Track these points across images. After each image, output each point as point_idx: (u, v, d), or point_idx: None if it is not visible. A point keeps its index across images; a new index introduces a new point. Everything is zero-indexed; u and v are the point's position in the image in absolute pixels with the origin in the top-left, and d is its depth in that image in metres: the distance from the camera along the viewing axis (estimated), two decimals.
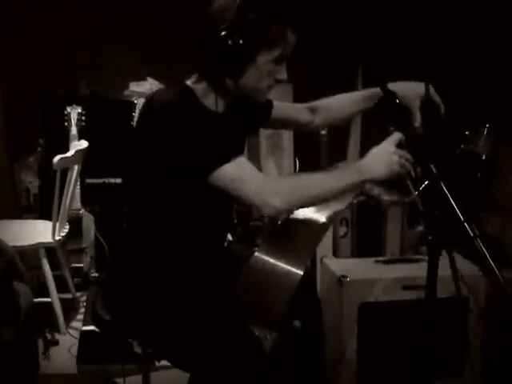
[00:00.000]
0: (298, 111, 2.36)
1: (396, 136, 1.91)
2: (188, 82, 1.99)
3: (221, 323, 1.96)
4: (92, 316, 2.21)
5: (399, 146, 1.90)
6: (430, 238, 1.77)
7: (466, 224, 1.53)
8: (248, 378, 1.90)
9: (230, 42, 1.83)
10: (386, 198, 3.37)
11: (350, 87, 4.09)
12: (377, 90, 2.24)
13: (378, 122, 2.06)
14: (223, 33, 1.83)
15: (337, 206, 2.26)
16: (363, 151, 3.99)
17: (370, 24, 4.16)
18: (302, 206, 2.00)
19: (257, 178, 1.89)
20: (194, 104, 1.94)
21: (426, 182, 1.84)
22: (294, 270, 2.03)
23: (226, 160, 1.83)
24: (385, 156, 1.88)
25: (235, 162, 1.84)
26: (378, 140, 2.25)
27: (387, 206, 3.34)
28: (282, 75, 1.97)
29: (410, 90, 2.16)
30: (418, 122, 2.12)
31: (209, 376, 1.95)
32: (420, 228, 3.94)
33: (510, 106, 4.32)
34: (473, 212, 3.91)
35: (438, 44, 4.55)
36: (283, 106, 2.32)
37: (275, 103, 2.26)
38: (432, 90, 2.16)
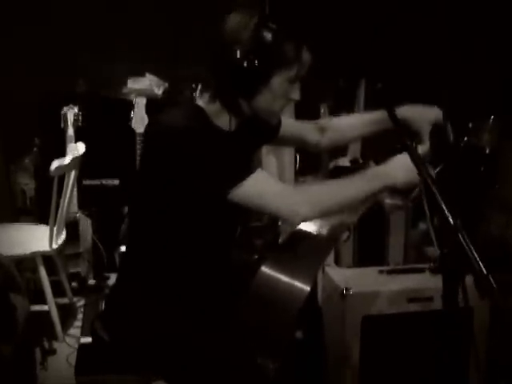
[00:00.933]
0: (307, 130, 2.29)
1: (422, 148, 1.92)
2: (199, 103, 1.93)
3: (224, 351, 1.91)
4: (92, 335, 2.14)
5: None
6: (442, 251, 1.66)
7: (450, 218, 1.42)
8: None
9: (245, 64, 1.76)
10: (388, 201, 3.28)
11: (351, 100, 4.09)
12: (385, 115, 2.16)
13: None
14: (238, 54, 1.76)
15: (350, 218, 2.25)
16: (364, 148, 3.95)
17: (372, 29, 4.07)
18: (330, 213, 1.96)
19: (281, 189, 1.86)
20: (207, 125, 1.88)
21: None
22: (301, 286, 1.94)
23: (246, 176, 1.79)
24: (407, 164, 1.74)
25: (255, 177, 1.80)
26: (378, 137, 2.17)
27: (390, 211, 3.26)
28: (295, 95, 1.91)
29: (421, 115, 2.09)
30: (425, 148, 2.05)
31: None
32: (423, 227, 3.88)
33: None
34: (476, 208, 3.85)
35: (443, 36, 4.49)
36: (292, 123, 2.26)
37: (284, 120, 2.19)
38: (444, 117, 2.08)
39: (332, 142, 2.32)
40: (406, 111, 2.08)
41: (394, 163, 1.88)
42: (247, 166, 1.85)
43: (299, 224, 1.91)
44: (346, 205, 1.90)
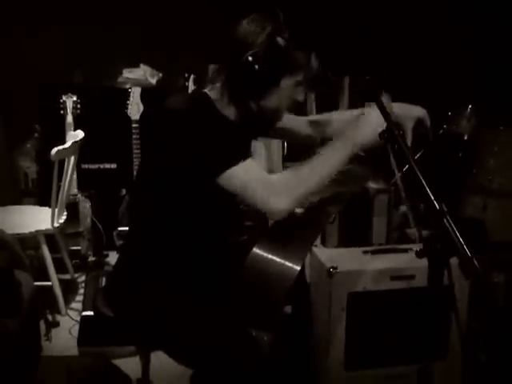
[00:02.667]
0: (300, 124, 2.32)
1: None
2: (205, 90, 1.97)
3: (220, 324, 1.95)
4: (93, 309, 2.17)
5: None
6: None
7: (435, 202, 1.45)
8: (246, 375, 1.89)
9: (257, 67, 1.81)
10: (372, 185, 3.32)
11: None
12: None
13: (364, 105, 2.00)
14: (251, 58, 1.80)
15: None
16: None
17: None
18: (311, 196, 1.95)
19: (262, 182, 1.84)
20: (211, 111, 1.92)
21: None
22: (291, 265, 1.97)
23: (235, 163, 1.80)
24: (372, 121, 1.80)
25: (243, 165, 1.81)
26: None
27: (374, 194, 3.30)
28: (300, 96, 1.95)
29: (406, 111, 2.09)
30: (408, 143, 2.04)
31: (208, 373, 1.94)
32: (403, 209, 3.92)
33: (493, 88, 4.30)
34: (454, 192, 3.90)
35: (423, 26, 4.50)
36: (288, 117, 2.27)
37: None
38: (427, 116, 2.11)
39: (324, 135, 2.31)
40: (391, 105, 2.06)
41: (359, 124, 1.86)
42: (241, 153, 1.86)
43: (279, 218, 1.88)
44: (325, 181, 1.88)
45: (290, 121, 2.29)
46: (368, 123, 1.83)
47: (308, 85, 1.95)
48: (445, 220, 1.43)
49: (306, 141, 2.35)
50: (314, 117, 2.39)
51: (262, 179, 1.86)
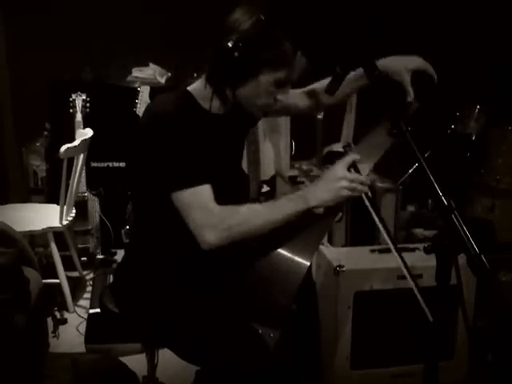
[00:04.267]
0: (297, 97, 2.24)
1: (348, 159, 1.79)
2: (189, 88, 1.93)
3: (227, 321, 1.92)
4: (100, 308, 2.15)
5: (353, 167, 1.79)
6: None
7: (443, 198, 1.43)
8: (250, 372, 1.87)
9: (235, 53, 1.76)
10: (379, 185, 3.30)
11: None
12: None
13: (373, 104, 1.95)
14: (231, 43, 1.76)
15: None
16: (357, 133, 3.94)
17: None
18: (244, 238, 1.85)
19: (202, 210, 1.78)
20: (191, 109, 1.88)
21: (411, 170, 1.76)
22: (301, 260, 1.92)
23: (189, 185, 1.77)
24: (331, 182, 1.77)
25: (194, 190, 1.77)
26: (371, 120, 2.13)
27: (381, 193, 3.28)
28: (284, 97, 1.90)
29: (399, 64, 2.02)
30: (410, 97, 1.98)
31: (213, 370, 1.93)
32: (411, 209, 3.90)
33: (501, 88, 4.26)
34: (462, 192, 3.87)
35: (431, 24, 4.47)
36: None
37: None
38: (423, 61, 2.04)
39: (322, 104, 2.26)
40: (384, 62, 2.02)
41: (318, 182, 1.81)
42: (202, 173, 1.79)
43: (205, 248, 1.79)
44: (262, 230, 1.82)
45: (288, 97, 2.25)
46: (327, 182, 1.78)
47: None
48: (453, 216, 1.41)
49: (306, 112, 2.29)
50: (309, 87, 2.28)
51: (204, 208, 1.79)
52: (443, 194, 1.44)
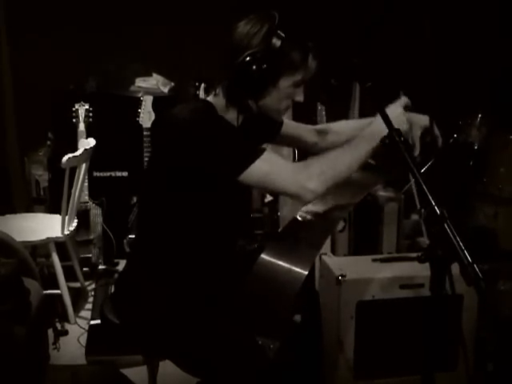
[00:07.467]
0: (307, 132, 2.29)
1: (404, 100, 1.91)
2: (209, 98, 1.95)
3: (226, 332, 1.91)
4: (101, 318, 2.13)
5: (406, 108, 1.90)
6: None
7: (435, 207, 1.42)
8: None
9: (254, 68, 1.79)
10: (382, 193, 3.28)
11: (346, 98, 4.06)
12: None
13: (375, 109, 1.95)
14: (248, 58, 1.79)
15: (353, 200, 2.22)
16: None
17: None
18: (337, 180, 1.88)
19: (288, 167, 1.85)
20: (215, 117, 1.89)
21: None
22: (298, 270, 1.93)
23: (255, 157, 1.79)
24: (394, 115, 1.77)
25: (264, 158, 1.81)
26: None
27: (384, 202, 3.25)
28: (300, 97, 1.93)
29: (413, 121, 2.01)
30: (416, 151, 1.99)
31: (214, 382, 1.93)
32: (415, 218, 3.87)
33: (503, 97, 4.25)
34: (465, 200, 3.86)
35: (432, 36, 4.45)
36: (293, 125, 2.26)
37: (286, 121, 2.21)
38: (433, 124, 2.06)
39: (330, 144, 2.25)
40: (408, 116, 2.00)
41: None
42: (255, 149, 1.84)
43: (311, 200, 1.88)
44: (351, 168, 1.86)
45: (296, 129, 2.26)
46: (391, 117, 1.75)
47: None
48: (445, 225, 1.39)
49: (312, 148, 2.30)
50: (320, 126, 2.36)
51: (289, 165, 1.87)
52: (436, 203, 1.42)
